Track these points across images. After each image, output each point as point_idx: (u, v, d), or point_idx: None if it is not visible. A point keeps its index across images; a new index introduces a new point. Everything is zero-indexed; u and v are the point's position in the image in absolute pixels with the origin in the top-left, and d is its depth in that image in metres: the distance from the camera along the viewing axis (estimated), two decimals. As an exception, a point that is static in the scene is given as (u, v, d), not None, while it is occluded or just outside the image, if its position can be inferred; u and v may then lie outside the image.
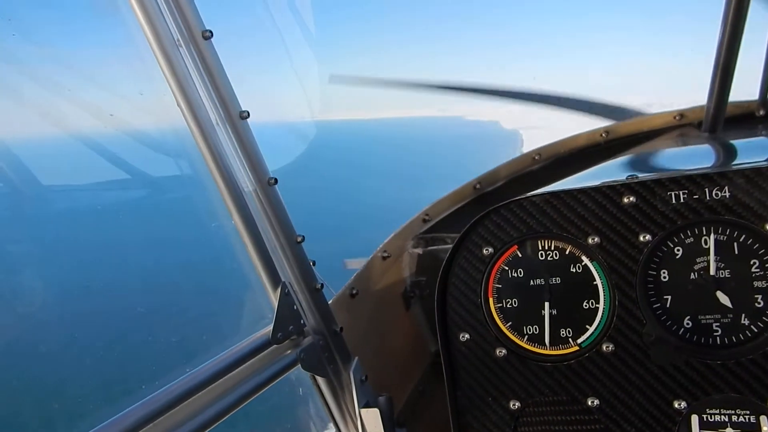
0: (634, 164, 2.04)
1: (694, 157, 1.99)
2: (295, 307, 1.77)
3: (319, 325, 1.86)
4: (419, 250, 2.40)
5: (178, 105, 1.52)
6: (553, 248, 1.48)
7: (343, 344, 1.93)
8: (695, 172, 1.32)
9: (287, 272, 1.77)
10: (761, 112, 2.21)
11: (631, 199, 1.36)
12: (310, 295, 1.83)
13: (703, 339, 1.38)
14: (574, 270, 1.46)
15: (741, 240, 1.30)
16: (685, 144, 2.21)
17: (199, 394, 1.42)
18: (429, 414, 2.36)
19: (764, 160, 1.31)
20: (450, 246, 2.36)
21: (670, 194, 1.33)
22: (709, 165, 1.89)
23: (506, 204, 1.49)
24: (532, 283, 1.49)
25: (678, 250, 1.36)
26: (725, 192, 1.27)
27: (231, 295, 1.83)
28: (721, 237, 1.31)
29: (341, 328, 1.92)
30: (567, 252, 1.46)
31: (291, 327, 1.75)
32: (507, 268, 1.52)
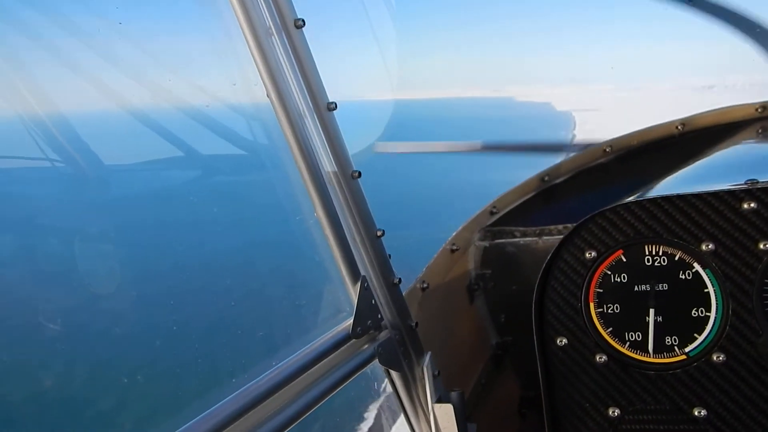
0: (717, 166, 1.93)
1: None
2: (373, 301, 1.76)
3: (396, 320, 1.84)
4: (486, 243, 2.37)
5: (268, 95, 1.50)
6: (661, 254, 1.41)
7: (417, 339, 1.91)
8: None
9: (366, 266, 1.76)
10: None
11: (752, 205, 1.29)
12: (388, 290, 1.81)
13: None
14: (683, 276, 1.39)
15: None
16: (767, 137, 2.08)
17: (285, 388, 1.41)
18: (493, 407, 2.33)
19: None
20: (518, 239, 2.31)
21: None
22: None
23: (613, 207, 1.43)
24: (636, 288, 1.43)
25: None
26: None
27: (311, 286, 1.83)
28: None
29: (416, 323, 1.90)
30: (677, 258, 1.40)
31: (369, 322, 1.74)
32: (610, 273, 1.46)
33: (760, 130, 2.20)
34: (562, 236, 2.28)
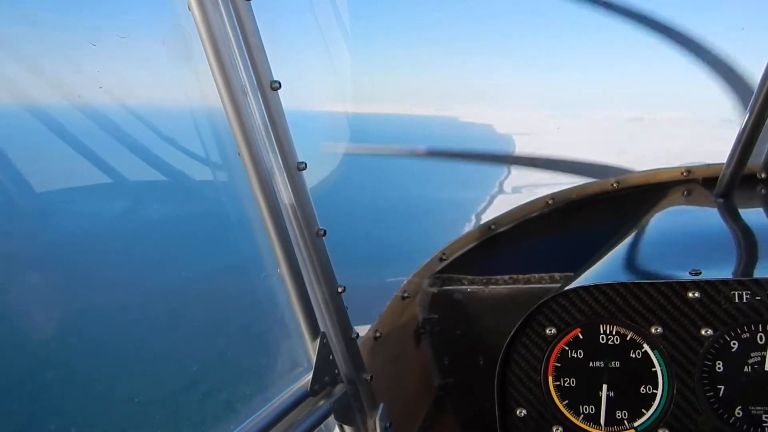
0: (649, 225, 2.06)
1: (707, 221, 2.04)
2: (331, 356, 1.77)
3: (352, 374, 1.85)
4: (434, 289, 2.45)
5: (240, 153, 1.50)
6: (615, 333, 1.49)
7: (371, 392, 1.93)
8: (761, 276, 1.35)
9: (326, 322, 1.77)
10: (763, 175, 2.25)
11: (696, 294, 1.39)
12: (346, 345, 1.82)
13: (752, 429, 1.41)
14: (634, 355, 1.48)
15: None
16: (693, 203, 2.23)
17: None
18: None
19: None
20: (465, 287, 2.40)
21: (734, 293, 1.37)
22: (725, 232, 1.92)
23: (574, 288, 1.50)
24: (591, 364, 1.51)
25: (734, 344, 1.40)
26: None
27: (271, 343, 1.82)
28: None
29: (371, 377, 1.92)
30: (628, 338, 1.48)
31: (327, 378, 1.75)
32: (568, 349, 1.53)
33: (685, 192, 2.36)
34: (507, 286, 2.38)
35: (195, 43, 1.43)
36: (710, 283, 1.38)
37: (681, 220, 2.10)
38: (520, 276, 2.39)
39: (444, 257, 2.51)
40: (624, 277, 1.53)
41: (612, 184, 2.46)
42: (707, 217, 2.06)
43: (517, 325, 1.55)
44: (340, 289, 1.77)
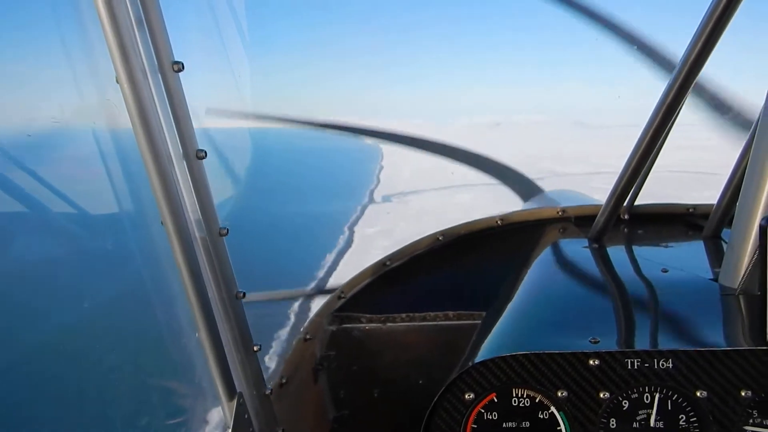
0: (539, 275, 2.26)
1: (584, 262, 2.28)
2: (246, 416, 1.75)
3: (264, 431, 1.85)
4: (334, 327, 2.51)
5: (163, 221, 1.43)
6: (525, 396, 1.64)
7: None
8: (651, 349, 1.56)
9: (242, 382, 1.75)
10: (626, 216, 2.56)
11: (596, 362, 1.57)
12: (260, 402, 1.82)
13: None
14: (542, 416, 1.62)
15: (674, 399, 1.56)
16: (570, 246, 2.48)
17: None
18: None
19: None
20: (364, 325, 2.49)
21: (627, 361, 1.56)
22: (595, 273, 2.19)
23: (492, 359, 1.62)
24: (504, 425, 1.63)
25: (626, 403, 1.59)
26: (669, 363, 1.53)
27: (188, 406, 1.76)
28: (661, 396, 1.56)
29: (283, 430, 1.92)
30: (537, 400, 1.63)
31: None
32: (484, 412, 1.64)
33: (561, 230, 2.61)
34: (405, 324, 2.49)
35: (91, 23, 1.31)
36: (609, 353, 1.56)
37: (567, 273, 2.30)
38: (416, 314, 2.51)
39: (342, 295, 2.57)
40: (533, 344, 1.68)
41: (497, 221, 2.67)
42: (588, 266, 2.28)
43: (440, 392, 1.65)
44: (256, 348, 1.77)
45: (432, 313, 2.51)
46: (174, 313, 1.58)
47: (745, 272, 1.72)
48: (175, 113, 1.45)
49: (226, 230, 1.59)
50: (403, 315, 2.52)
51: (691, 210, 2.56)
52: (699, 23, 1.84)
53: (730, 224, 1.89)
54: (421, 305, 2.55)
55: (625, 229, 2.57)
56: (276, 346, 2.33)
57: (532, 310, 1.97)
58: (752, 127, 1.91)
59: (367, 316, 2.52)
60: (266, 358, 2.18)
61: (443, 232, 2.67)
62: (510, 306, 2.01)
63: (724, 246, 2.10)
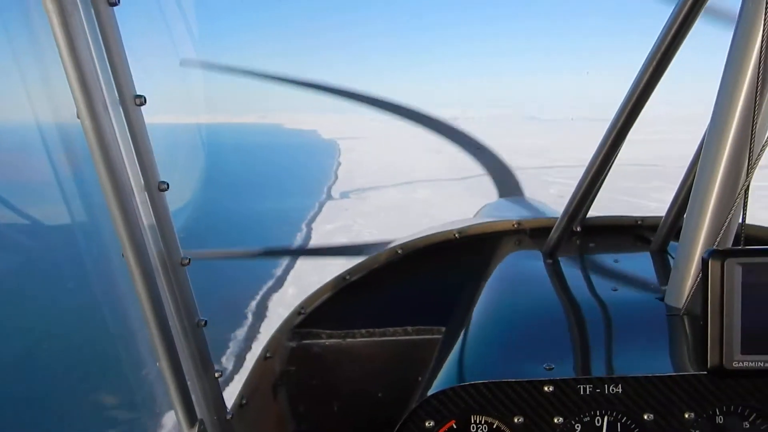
0: (495, 294, 2.29)
1: (539, 280, 2.32)
2: None
3: None
4: (294, 344, 2.48)
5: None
6: (483, 423, 1.66)
7: None
8: (603, 376, 1.61)
9: (203, 408, 1.71)
10: (578, 228, 2.61)
11: (551, 388, 1.61)
12: (221, 427, 1.78)
13: None
14: None
15: (623, 422, 1.60)
16: (525, 258, 2.54)
17: None
18: None
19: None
20: (324, 341, 2.48)
21: (580, 387, 1.60)
22: (549, 292, 2.22)
23: (452, 387, 1.64)
24: None
25: (578, 427, 1.63)
26: (619, 388, 1.58)
27: (145, 430, 1.71)
28: (611, 419, 1.61)
29: None
30: (495, 426, 1.66)
31: None
32: None
33: (517, 242, 2.65)
34: (364, 339, 2.49)
35: (50, 50, 1.27)
36: (563, 380, 1.60)
37: (522, 293, 2.34)
38: (376, 329, 2.51)
39: (302, 311, 2.54)
40: (490, 371, 1.70)
41: (455, 234, 2.67)
42: (542, 284, 2.31)
43: (401, 420, 1.66)
44: (217, 375, 1.73)
45: (392, 328, 2.51)
46: (134, 342, 1.52)
47: (689, 294, 1.77)
48: (137, 146, 1.43)
49: (188, 260, 1.55)
50: (363, 330, 2.51)
51: (639, 222, 2.62)
52: (639, 69, 1.89)
53: (677, 237, 1.92)
54: (381, 320, 2.55)
55: (578, 242, 2.61)
56: (237, 366, 2.29)
57: (490, 333, 2.00)
58: (698, 144, 1.94)
59: (327, 331, 2.51)
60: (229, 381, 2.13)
61: (402, 246, 2.67)
62: (468, 326, 2.05)
63: (671, 261, 2.15)
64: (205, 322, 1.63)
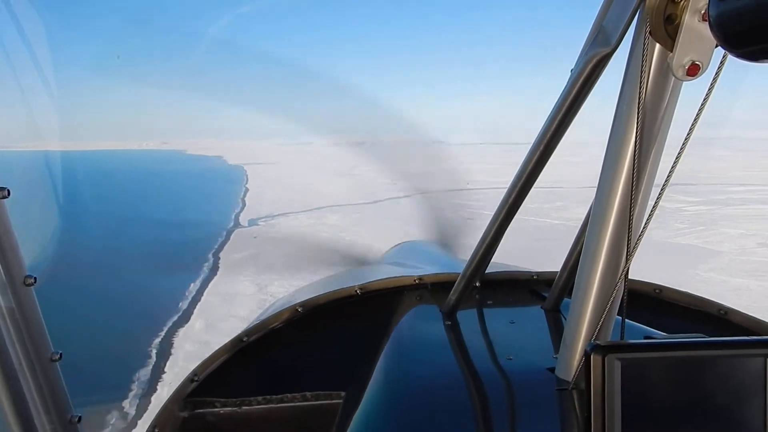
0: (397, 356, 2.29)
1: (438, 344, 2.31)
2: None
3: None
4: (185, 414, 2.32)
5: None
6: None
7: None
8: None
9: None
10: (477, 283, 2.61)
11: None
12: None
13: None
14: None
15: None
16: (426, 313, 2.53)
17: None
18: None
19: None
20: (218, 409, 2.34)
21: None
22: (448, 358, 2.20)
23: None
24: None
25: None
26: None
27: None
28: None
29: None
30: None
31: None
32: None
33: (418, 297, 2.63)
34: (261, 406, 2.36)
35: None
36: None
37: (421, 360, 2.31)
38: (274, 396, 2.38)
39: (195, 378, 2.34)
40: None
41: (356, 290, 2.62)
42: (441, 349, 2.28)
43: None
44: (74, 419, 1.56)
45: (290, 394, 2.36)
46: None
47: (577, 369, 1.77)
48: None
49: (59, 355, 1.40)
50: (260, 398, 2.36)
51: (535, 277, 2.67)
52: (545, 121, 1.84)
53: (569, 294, 1.87)
54: (278, 385, 2.41)
55: (477, 296, 2.61)
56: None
57: (389, 401, 1.97)
58: (588, 209, 1.88)
59: (222, 399, 2.33)
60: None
61: (302, 303, 2.56)
62: (367, 395, 2.00)
63: (564, 320, 2.16)
64: (60, 355, 1.46)
